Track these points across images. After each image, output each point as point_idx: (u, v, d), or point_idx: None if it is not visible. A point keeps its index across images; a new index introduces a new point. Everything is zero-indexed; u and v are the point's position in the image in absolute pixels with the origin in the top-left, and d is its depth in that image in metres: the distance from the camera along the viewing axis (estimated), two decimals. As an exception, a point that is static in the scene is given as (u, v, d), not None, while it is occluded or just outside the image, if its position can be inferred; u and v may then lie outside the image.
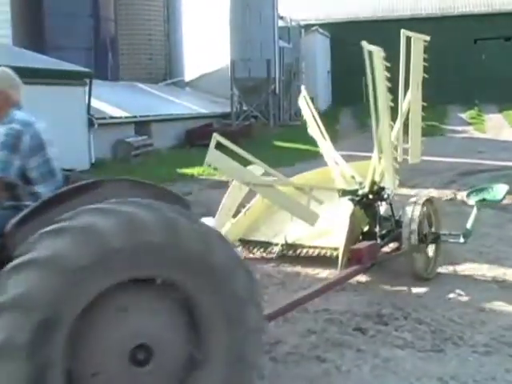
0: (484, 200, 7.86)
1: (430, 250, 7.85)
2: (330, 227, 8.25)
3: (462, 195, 13.66)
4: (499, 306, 6.75)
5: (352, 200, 7.82)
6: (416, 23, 46.25)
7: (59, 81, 19.95)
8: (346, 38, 44.85)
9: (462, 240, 7.82)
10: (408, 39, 7.83)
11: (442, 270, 8.12)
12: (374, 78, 7.60)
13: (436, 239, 7.91)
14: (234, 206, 8.97)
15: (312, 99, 39.70)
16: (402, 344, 5.75)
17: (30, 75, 18.57)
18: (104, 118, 22.38)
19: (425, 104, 8.10)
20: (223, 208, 9.03)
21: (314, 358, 5.44)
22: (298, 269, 8.23)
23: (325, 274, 7.95)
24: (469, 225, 7.80)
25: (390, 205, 8.06)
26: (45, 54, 23.95)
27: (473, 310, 6.63)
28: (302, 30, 40.99)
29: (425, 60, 7.97)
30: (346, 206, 7.84)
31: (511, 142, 27.76)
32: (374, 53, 7.54)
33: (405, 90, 7.96)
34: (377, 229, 7.81)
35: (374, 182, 7.94)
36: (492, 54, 45.29)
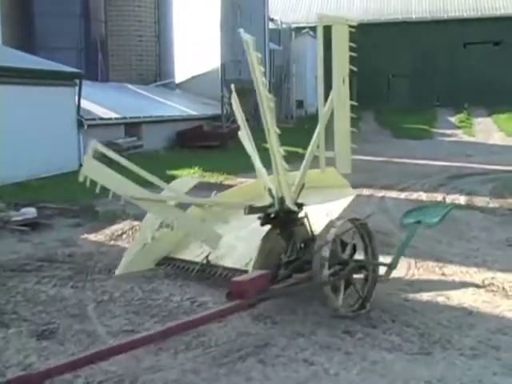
0: (419, 222, 7.13)
1: (356, 282, 6.68)
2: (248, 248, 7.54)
3: (451, 198, 13.75)
4: (487, 309, 6.79)
5: (261, 219, 6.85)
6: (406, 27, 46.62)
7: (49, 81, 19.89)
8: (336, 40, 45.03)
9: (383, 273, 6.87)
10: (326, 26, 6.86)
11: (430, 273, 8.15)
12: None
13: (361, 269, 6.77)
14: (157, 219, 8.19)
15: (301, 102, 39.95)
16: (389, 347, 5.77)
17: (19, 75, 18.54)
18: (94, 119, 22.32)
19: (355, 103, 7.13)
20: (146, 221, 8.42)
21: (302, 361, 5.45)
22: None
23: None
24: (397, 253, 7.02)
25: (304, 225, 7.01)
26: (34, 55, 23.88)
27: (461, 313, 6.66)
28: (293, 33, 41.05)
29: (353, 49, 6.96)
30: (258, 226, 6.99)
31: (500, 146, 27.95)
32: (248, 41, 6.70)
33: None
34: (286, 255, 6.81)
35: (283, 198, 6.92)
36: (481, 58, 45.55)
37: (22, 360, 5.51)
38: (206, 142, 25.70)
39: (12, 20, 28.53)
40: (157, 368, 5.33)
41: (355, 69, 6.96)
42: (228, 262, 7.60)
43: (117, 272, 7.96)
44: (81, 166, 21.79)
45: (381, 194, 14.80)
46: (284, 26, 39.68)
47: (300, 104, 41.36)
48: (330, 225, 6.47)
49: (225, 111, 32.07)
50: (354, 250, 6.74)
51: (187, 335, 5.94)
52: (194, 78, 39.54)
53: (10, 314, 6.69)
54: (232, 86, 9.89)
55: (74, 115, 20.94)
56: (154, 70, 37.10)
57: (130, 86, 32.56)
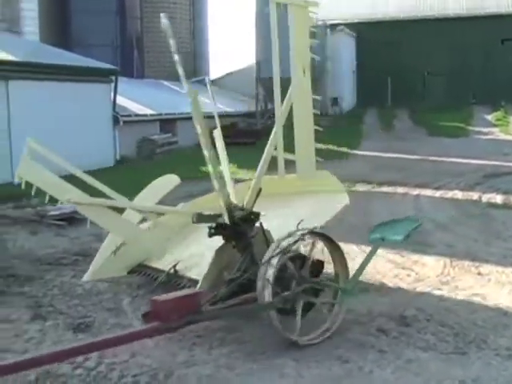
0: (383, 240, 6.14)
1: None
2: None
3: (487, 197, 13.60)
4: (523, 309, 6.70)
5: (211, 229, 6.13)
6: (443, 23, 46.08)
7: (85, 78, 20.11)
8: (371, 37, 44.71)
9: (337, 298, 6.07)
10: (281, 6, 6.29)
11: (465, 272, 8.08)
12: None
13: (318, 292, 6.00)
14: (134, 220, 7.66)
15: (336, 99, 39.75)
16: (424, 346, 5.74)
17: (56, 72, 18.78)
18: (129, 116, 22.51)
19: (318, 97, 6.71)
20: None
21: (336, 359, 5.45)
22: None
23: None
24: (354, 275, 6.17)
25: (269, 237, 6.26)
26: (71, 51, 24.15)
27: (496, 313, 6.60)
28: (328, 30, 40.86)
29: (314, 35, 6.45)
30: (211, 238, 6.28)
31: (537, 145, 27.48)
32: (166, 27, 5.99)
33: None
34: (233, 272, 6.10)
35: (230, 207, 6.15)
36: (520, 54, 44.85)
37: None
38: (240, 139, 25.74)
39: (50, 18, 28.86)
40: (191, 362, 5.37)
41: (318, 57, 6.39)
42: (194, 273, 6.72)
43: (84, 278, 7.40)
44: (117, 162, 22.12)
45: (415, 192, 14.69)
46: (319, 22, 39.51)
47: (335, 101, 41.18)
48: (282, 238, 5.73)
49: (259, 108, 32.12)
50: (318, 266, 6.03)
51: (222, 331, 5.98)
52: (228, 74, 39.62)
53: (47, 307, 6.80)
54: (206, 78, 9.23)
55: (109, 111, 21.13)
56: (189, 66, 37.23)
57: (165, 82, 32.74)
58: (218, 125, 8.18)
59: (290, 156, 6.60)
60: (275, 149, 6.65)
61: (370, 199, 13.87)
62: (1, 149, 16.37)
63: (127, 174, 17.57)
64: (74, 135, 18.37)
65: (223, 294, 5.79)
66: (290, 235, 5.74)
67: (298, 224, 5.86)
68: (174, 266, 6.89)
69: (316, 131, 6.61)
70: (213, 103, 9.13)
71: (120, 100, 22.26)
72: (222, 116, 32.71)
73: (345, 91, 41.33)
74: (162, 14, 6.05)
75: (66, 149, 18.43)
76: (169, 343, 5.65)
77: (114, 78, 21.35)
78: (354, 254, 8.90)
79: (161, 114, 24.86)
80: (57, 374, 5.16)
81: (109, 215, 6.86)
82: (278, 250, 5.58)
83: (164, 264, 7.13)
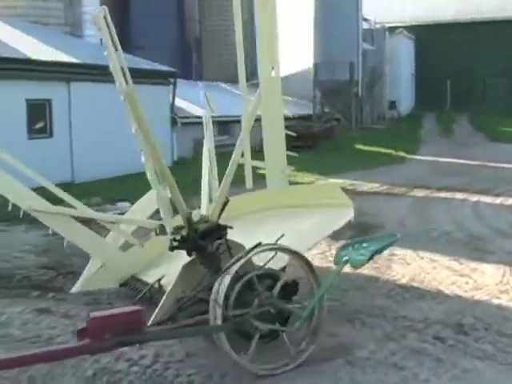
0: (347, 261, 5.50)
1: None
2: None
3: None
4: None
5: (174, 241, 5.63)
6: (503, 25, 45.20)
7: (144, 80, 20.37)
8: (431, 40, 44.16)
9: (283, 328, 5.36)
10: None
11: (526, 281, 7.91)
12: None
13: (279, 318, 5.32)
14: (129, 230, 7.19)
15: (394, 102, 39.36)
16: (482, 355, 5.63)
17: (117, 74, 19.08)
18: (187, 117, 22.72)
19: (290, 98, 6.10)
20: (109, 236, 7.28)
21: (392, 365, 5.40)
22: (378, 274, 8.17)
23: (404, 280, 7.87)
24: (311, 302, 5.39)
25: (213, 253, 5.65)
26: (131, 54, 24.50)
27: (558, 324, 6.44)
28: (387, 33, 40.56)
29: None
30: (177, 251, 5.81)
31: None
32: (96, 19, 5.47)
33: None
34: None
35: (190, 218, 5.59)
36: None
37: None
38: (297, 142, 25.68)
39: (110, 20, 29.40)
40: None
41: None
42: None
43: (73, 290, 7.01)
44: (174, 162, 22.34)
45: (475, 198, 14.44)
46: (378, 25, 39.24)
47: (393, 105, 40.84)
48: (240, 256, 5.19)
49: (316, 111, 32.06)
50: (291, 287, 5.44)
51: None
52: (285, 77, 39.58)
53: (105, 304, 6.90)
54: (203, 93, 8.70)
55: (168, 113, 21.39)
56: (247, 68, 37.39)
57: (222, 84, 32.93)
58: (211, 130, 7.88)
59: (258, 163, 6.21)
60: (242, 156, 6.19)
61: (429, 204, 13.70)
62: (62, 149, 16.73)
63: (184, 175, 17.71)
64: (132, 136, 18.59)
65: (173, 314, 5.28)
66: (248, 252, 5.20)
67: (277, 240, 5.36)
68: (159, 281, 6.37)
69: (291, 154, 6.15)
70: (209, 110, 8.70)
71: (178, 102, 22.50)
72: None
73: (403, 94, 40.92)
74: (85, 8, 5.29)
75: (124, 150, 18.75)
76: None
77: (172, 80, 21.58)
78: (410, 259, 8.83)
79: (218, 116, 25.00)
80: (113, 370, 5.25)
81: (71, 225, 6.44)
82: (231, 270, 5.03)
83: (153, 278, 6.58)
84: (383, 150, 24.87)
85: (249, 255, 5.14)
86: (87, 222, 6.96)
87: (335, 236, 9.91)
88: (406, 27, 44.46)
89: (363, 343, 5.85)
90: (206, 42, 34.67)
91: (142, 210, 7.47)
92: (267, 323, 5.16)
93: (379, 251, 5.53)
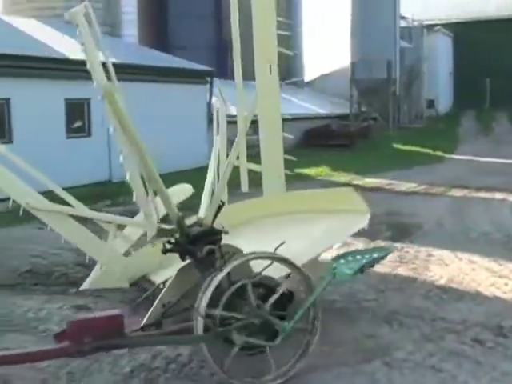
0: (334, 275, 5.11)
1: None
2: None
3: None
4: None
5: (169, 244, 5.41)
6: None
7: (182, 79, 20.51)
8: (469, 37, 43.61)
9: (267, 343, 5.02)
10: None
11: None
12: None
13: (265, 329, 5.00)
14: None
15: (433, 101, 38.93)
16: (522, 358, 5.55)
17: (154, 73, 19.24)
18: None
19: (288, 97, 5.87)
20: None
21: (430, 367, 5.34)
22: (416, 274, 8.10)
23: (442, 281, 7.79)
24: (297, 312, 5.08)
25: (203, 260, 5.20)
26: (169, 53, 24.67)
27: None
28: (424, 30, 40.17)
29: (282, 25, 5.25)
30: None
31: None
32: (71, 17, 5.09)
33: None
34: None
35: (180, 219, 5.29)
36: None
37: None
38: (333, 141, 25.63)
39: (148, 21, 29.60)
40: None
41: (291, 53, 5.16)
42: None
43: (82, 287, 6.88)
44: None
45: (515, 198, 14.24)
46: (415, 23, 38.90)
47: (431, 103, 40.45)
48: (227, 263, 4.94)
49: (353, 110, 31.92)
50: (285, 299, 5.15)
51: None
52: (322, 76, 39.52)
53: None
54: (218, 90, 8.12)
55: (204, 112, 21.47)
56: (283, 68, 37.36)
57: (259, 83, 32.95)
58: (223, 125, 7.42)
59: (255, 167, 5.93)
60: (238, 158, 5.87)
61: (467, 205, 13.54)
62: (100, 148, 16.90)
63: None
64: (170, 136, 18.77)
65: (157, 319, 5.07)
66: (235, 259, 4.98)
67: (277, 247, 5.09)
68: (164, 283, 6.12)
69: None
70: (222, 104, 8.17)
71: (214, 100, 22.59)
72: (314, 118, 32.89)
73: (441, 93, 40.50)
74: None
75: (162, 149, 18.90)
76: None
77: (209, 79, 21.67)
78: (448, 260, 8.73)
79: (255, 116, 25.04)
80: (151, 367, 5.29)
81: (68, 223, 6.31)
82: (215, 282, 4.79)
83: (161, 279, 6.36)
84: (421, 150, 24.65)
85: (231, 265, 4.87)
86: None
87: (372, 236, 9.92)
88: (444, 24, 43.98)
89: (401, 344, 5.79)
90: (243, 41, 34.70)
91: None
92: (250, 336, 4.90)
93: (370, 264, 5.24)
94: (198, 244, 5.21)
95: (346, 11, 33.90)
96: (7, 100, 14.94)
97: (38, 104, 15.53)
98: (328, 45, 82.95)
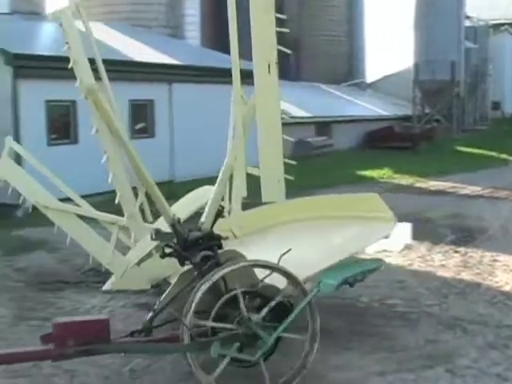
0: (319, 289, 4.99)
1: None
2: None
3: None
4: None
5: (164, 248, 5.24)
6: None
7: (244, 80, 20.58)
8: (538, 38, 42.55)
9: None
10: None
11: None
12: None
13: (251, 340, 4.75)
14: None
15: (498, 103, 38.10)
16: None
17: (215, 74, 19.35)
18: (285, 118, 22.80)
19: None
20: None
21: (495, 375, 5.22)
22: (480, 280, 7.94)
23: (508, 287, 7.61)
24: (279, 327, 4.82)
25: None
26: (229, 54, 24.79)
27: None
28: (490, 30, 39.32)
29: (283, 23, 5.41)
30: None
31: None
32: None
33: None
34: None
35: (175, 223, 5.16)
36: None
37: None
38: (396, 143, 25.33)
39: (210, 23, 29.83)
40: (343, 367, 5.34)
41: (289, 51, 5.12)
42: None
43: (104, 287, 6.86)
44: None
45: None
46: (481, 23, 38.12)
47: (496, 105, 39.59)
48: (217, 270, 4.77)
49: (416, 112, 31.51)
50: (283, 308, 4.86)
51: (374, 337, 5.92)
52: (385, 77, 39.13)
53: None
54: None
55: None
56: (345, 69, 37.15)
57: (321, 85, 32.86)
58: (240, 130, 6.69)
59: (253, 171, 5.72)
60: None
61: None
62: (163, 149, 17.12)
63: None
64: (227, 137, 18.86)
65: (145, 325, 4.93)
66: (224, 267, 4.77)
67: (282, 255, 4.81)
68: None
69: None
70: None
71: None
72: (376, 120, 32.63)
73: (507, 94, 39.60)
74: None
75: (223, 149, 19.00)
76: (322, 346, 5.66)
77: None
78: (514, 266, 8.54)
79: (316, 117, 24.98)
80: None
81: (75, 223, 6.31)
82: (203, 287, 4.61)
83: None
84: (486, 153, 24.15)
85: (218, 274, 4.67)
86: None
87: (435, 240, 9.78)
88: (510, 24, 42.98)
89: (464, 351, 5.68)
90: (305, 42, 34.65)
91: (182, 209, 7.02)
92: (236, 348, 4.70)
93: (357, 277, 5.06)
94: (194, 249, 5.05)
95: (409, 11, 33.50)
96: (73, 102, 15.25)
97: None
98: (391, 45, 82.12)
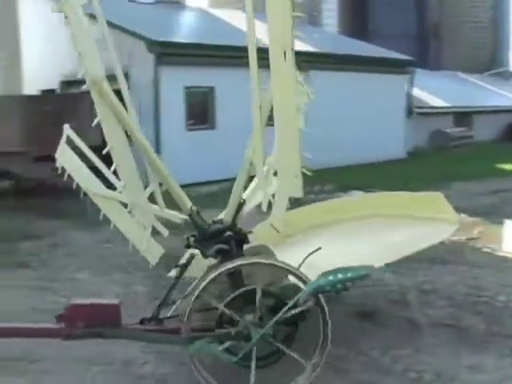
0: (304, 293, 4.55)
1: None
2: None
3: None
4: None
5: (188, 238, 5.17)
6: None
7: (381, 68, 20.25)
8: None
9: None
10: None
11: None
12: None
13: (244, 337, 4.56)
14: None
15: None
16: None
17: (353, 62, 19.18)
18: (422, 107, 22.29)
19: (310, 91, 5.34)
20: None
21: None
22: None
23: None
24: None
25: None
26: (370, 43, 24.48)
27: None
28: None
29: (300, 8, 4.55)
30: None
31: None
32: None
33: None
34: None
35: (193, 213, 5.13)
36: None
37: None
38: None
39: (348, 10, 29.62)
40: (477, 369, 5.12)
41: (300, 35, 4.66)
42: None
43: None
44: (408, 153, 22.04)
45: None
46: None
47: None
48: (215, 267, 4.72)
49: None
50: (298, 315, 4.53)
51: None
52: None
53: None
54: None
55: (403, 103, 21.09)
56: (488, 57, 35.84)
57: (461, 74, 31.83)
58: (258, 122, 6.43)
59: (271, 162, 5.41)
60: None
61: None
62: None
63: (418, 167, 17.40)
64: (367, 125, 18.65)
65: (153, 315, 4.87)
66: (227, 264, 4.64)
67: (309, 254, 4.54)
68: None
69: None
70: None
71: (414, 91, 22.17)
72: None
73: None
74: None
75: (359, 139, 18.82)
76: (455, 344, 5.47)
77: (410, 69, 21.25)
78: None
79: (455, 107, 24.23)
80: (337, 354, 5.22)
81: (118, 210, 6.15)
82: (203, 282, 4.54)
83: None
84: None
85: (220, 269, 4.57)
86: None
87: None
88: None
89: None
90: (445, 29, 33.71)
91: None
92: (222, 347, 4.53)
93: (344, 282, 4.44)
94: (211, 242, 4.98)
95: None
96: (211, 88, 15.57)
97: (237, 92, 16.02)
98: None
